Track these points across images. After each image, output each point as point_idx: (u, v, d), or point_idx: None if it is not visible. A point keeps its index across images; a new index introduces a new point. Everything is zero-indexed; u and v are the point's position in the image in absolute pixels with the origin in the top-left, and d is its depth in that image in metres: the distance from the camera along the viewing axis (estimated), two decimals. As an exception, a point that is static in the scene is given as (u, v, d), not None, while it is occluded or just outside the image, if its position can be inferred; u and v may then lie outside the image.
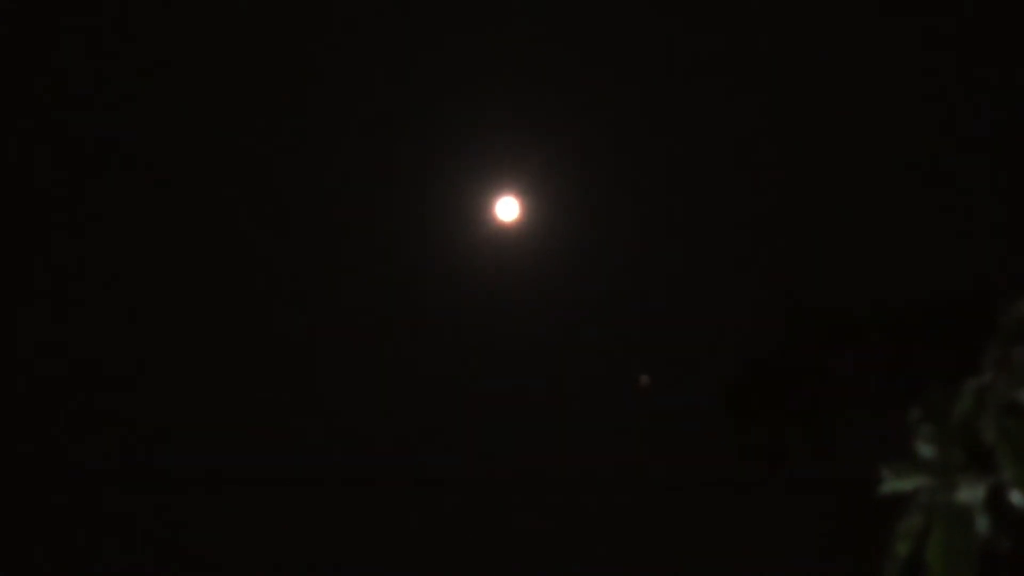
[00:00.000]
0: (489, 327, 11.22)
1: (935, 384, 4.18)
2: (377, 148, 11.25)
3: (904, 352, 10.45)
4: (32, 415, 11.15)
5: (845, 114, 10.92)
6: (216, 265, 11.19)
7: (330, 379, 11.26)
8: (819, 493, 10.40)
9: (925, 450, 4.16)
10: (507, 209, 11.26)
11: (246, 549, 10.90)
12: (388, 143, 11.24)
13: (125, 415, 11.13)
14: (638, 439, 10.99)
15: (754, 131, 11.01)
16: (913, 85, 10.90)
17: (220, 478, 10.98)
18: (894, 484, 4.20)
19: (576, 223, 11.28)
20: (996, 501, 4.02)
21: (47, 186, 11.20)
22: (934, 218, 10.69)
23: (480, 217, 11.30)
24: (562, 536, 10.94)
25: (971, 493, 4.02)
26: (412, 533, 10.95)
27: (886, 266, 10.70)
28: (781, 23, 10.85)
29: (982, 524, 4.02)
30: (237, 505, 10.95)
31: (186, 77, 11.08)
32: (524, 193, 11.30)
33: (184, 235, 11.21)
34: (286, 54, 11.09)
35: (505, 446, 11.03)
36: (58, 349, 11.24)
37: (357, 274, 11.26)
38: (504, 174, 11.30)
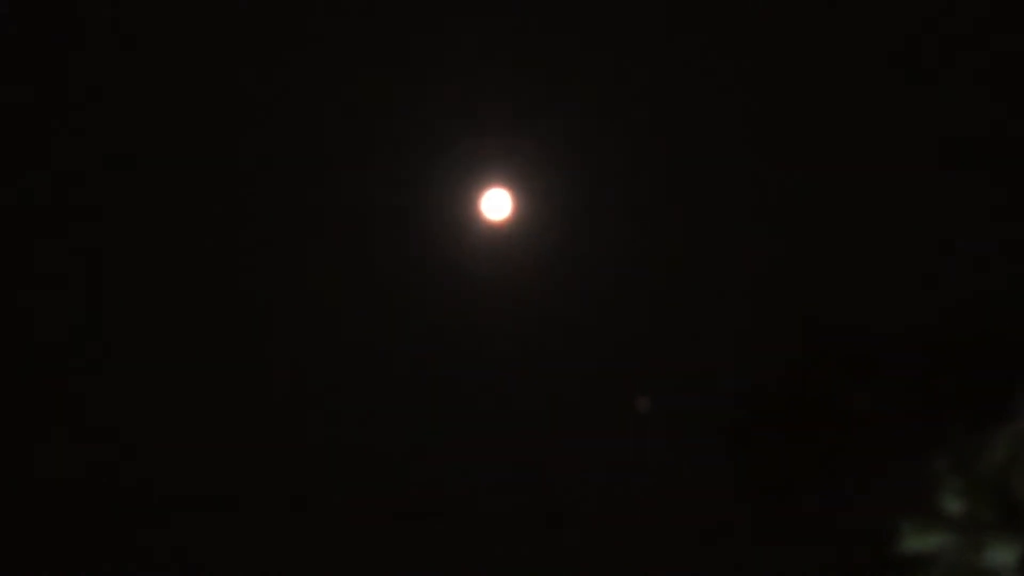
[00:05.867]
0: (475, 332, 11.16)
1: (964, 428, 4.26)
2: (357, 140, 11.29)
3: (930, 387, 10.10)
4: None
5: (868, 127, 10.83)
6: (199, 272, 11.31)
7: (312, 383, 11.22)
8: (828, 544, 10.10)
9: (951, 504, 4.02)
10: (496, 205, 11.33)
11: (245, 564, 10.89)
12: (369, 135, 11.27)
13: (118, 426, 11.16)
14: (632, 462, 10.86)
15: (767, 132, 10.93)
16: (930, 106, 10.75)
17: (208, 495, 11.04)
18: (914, 541, 4.12)
19: (571, 222, 11.25)
20: (1031, 565, 3.77)
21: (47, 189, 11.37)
22: (965, 237, 10.51)
23: (466, 214, 11.37)
24: (553, 556, 10.79)
25: (1002, 555, 3.86)
26: (404, 544, 10.88)
27: (911, 290, 10.49)
28: (794, 23, 10.82)
29: (1014, 591, 3.78)
30: (232, 520, 10.99)
31: (165, 68, 11.22)
32: (515, 188, 11.34)
33: (167, 241, 11.34)
34: (267, 46, 11.20)
35: (492, 455, 10.99)
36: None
37: (337, 276, 11.27)
38: (493, 167, 11.32)
